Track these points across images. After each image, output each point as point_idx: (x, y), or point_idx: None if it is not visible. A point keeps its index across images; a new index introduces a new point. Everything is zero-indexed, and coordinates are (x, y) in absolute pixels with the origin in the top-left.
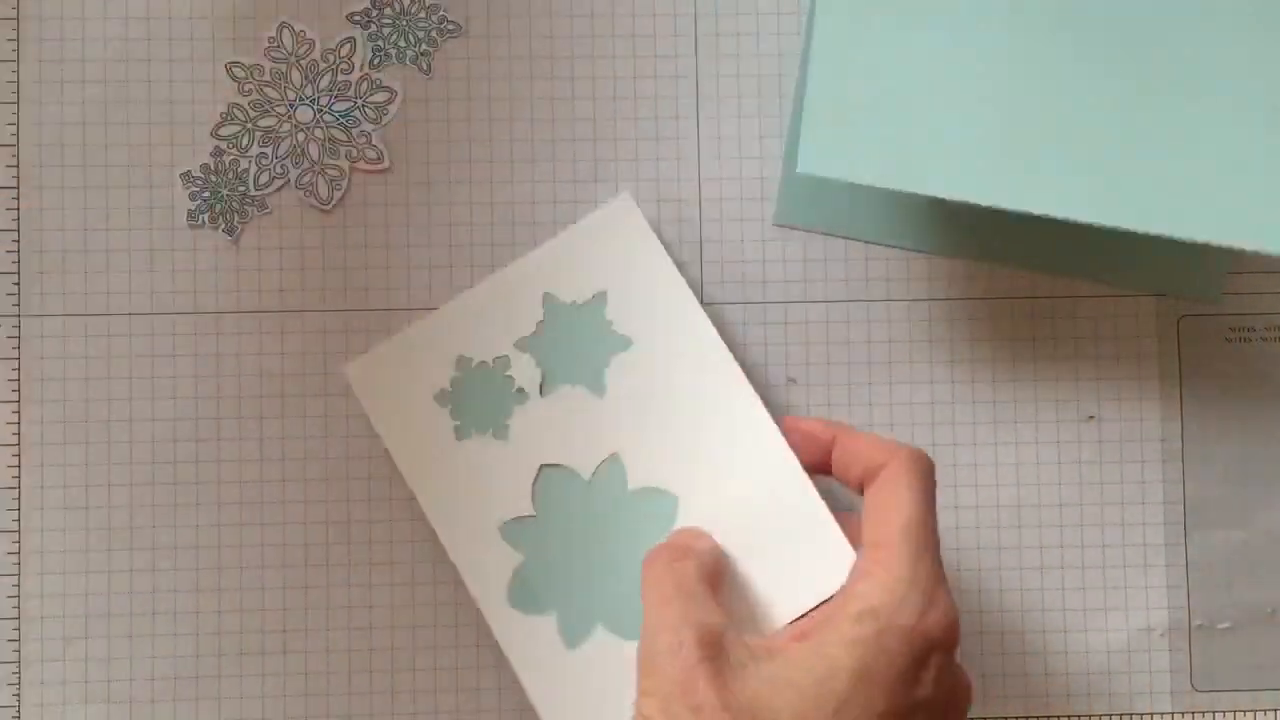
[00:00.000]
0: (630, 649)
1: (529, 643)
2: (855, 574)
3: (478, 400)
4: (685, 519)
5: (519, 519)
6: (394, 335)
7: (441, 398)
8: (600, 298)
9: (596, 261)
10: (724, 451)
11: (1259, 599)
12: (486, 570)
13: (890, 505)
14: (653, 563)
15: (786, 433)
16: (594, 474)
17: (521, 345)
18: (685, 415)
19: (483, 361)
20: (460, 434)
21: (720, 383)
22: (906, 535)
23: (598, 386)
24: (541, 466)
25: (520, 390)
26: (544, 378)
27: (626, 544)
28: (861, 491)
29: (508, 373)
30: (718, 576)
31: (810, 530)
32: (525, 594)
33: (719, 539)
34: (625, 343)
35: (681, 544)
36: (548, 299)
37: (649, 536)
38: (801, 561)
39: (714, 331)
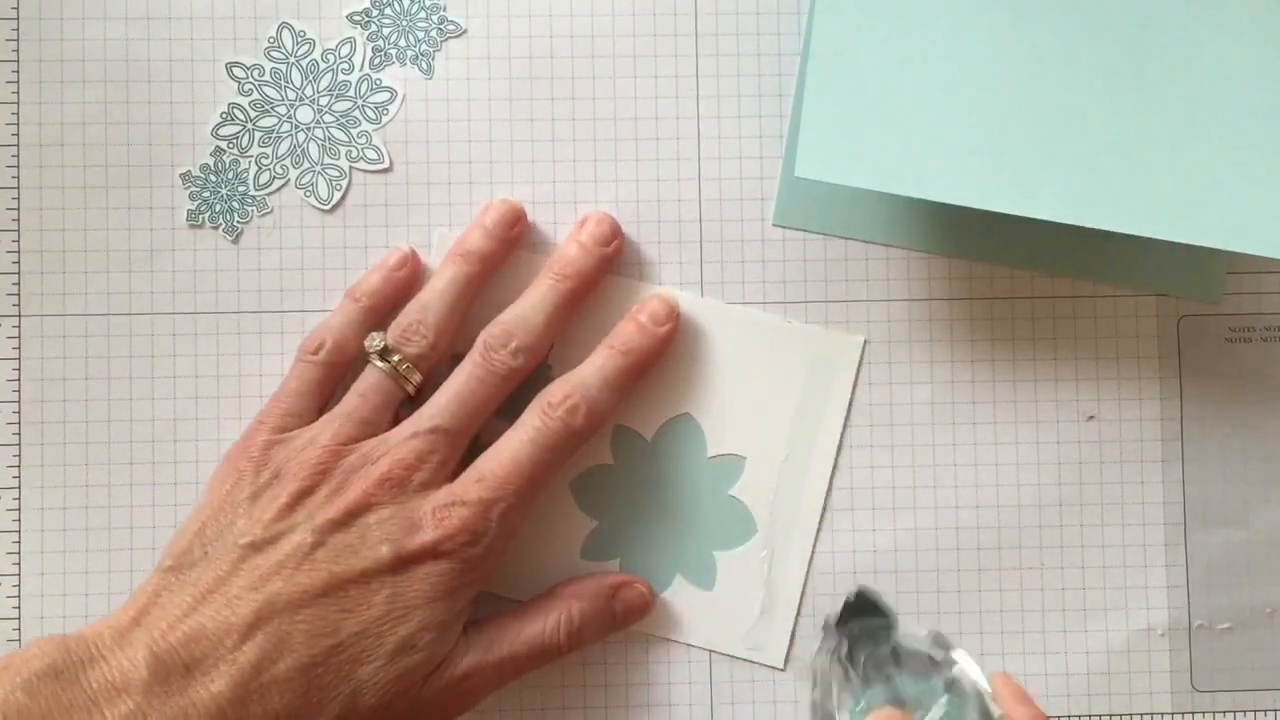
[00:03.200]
0: (704, 597)
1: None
2: None
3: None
4: (747, 481)
5: (590, 471)
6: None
7: None
8: None
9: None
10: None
11: (1259, 599)
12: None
13: None
14: None
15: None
16: (657, 433)
17: None
18: (686, 351)
19: None
20: None
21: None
22: None
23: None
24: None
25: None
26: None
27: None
28: None
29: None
30: None
31: (828, 355)
32: (598, 548)
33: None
34: None
35: None
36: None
37: (719, 490)
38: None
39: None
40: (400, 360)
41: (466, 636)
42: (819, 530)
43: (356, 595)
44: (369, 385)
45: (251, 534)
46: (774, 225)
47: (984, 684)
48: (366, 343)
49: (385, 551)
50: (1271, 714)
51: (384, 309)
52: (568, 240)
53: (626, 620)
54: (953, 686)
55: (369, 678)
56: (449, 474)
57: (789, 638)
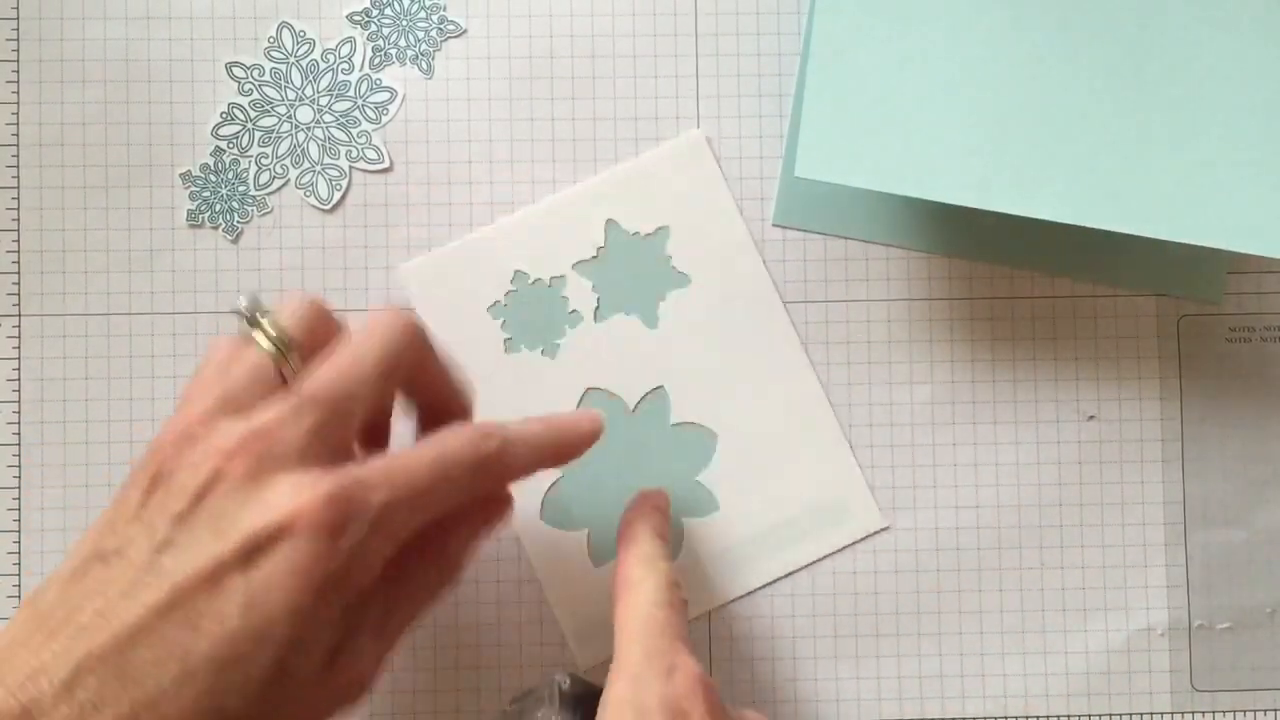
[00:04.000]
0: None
1: (557, 558)
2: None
3: (531, 316)
4: (723, 457)
5: None
6: (453, 242)
7: (495, 309)
8: (663, 232)
9: (662, 195)
10: (766, 397)
11: (1259, 599)
12: (522, 484)
13: (621, 613)
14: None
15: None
16: (638, 404)
17: (580, 269)
18: (733, 357)
19: (539, 279)
20: (510, 347)
21: (770, 330)
22: (630, 629)
23: (651, 319)
24: (588, 389)
25: (574, 312)
26: (599, 303)
27: (661, 475)
28: None
29: (563, 293)
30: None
31: (839, 487)
32: (558, 510)
33: (752, 479)
34: (683, 280)
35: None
36: (610, 226)
37: (685, 470)
38: (828, 512)
39: (768, 277)
40: (276, 334)
41: (354, 631)
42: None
43: (205, 605)
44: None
45: (103, 544)
46: (774, 225)
47: None
48: (236, 303)
49: (230, 536)
50: (1271, 714)
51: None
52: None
53: (497, 523)
54: None
55: (240, 711)
56: (328, 452)
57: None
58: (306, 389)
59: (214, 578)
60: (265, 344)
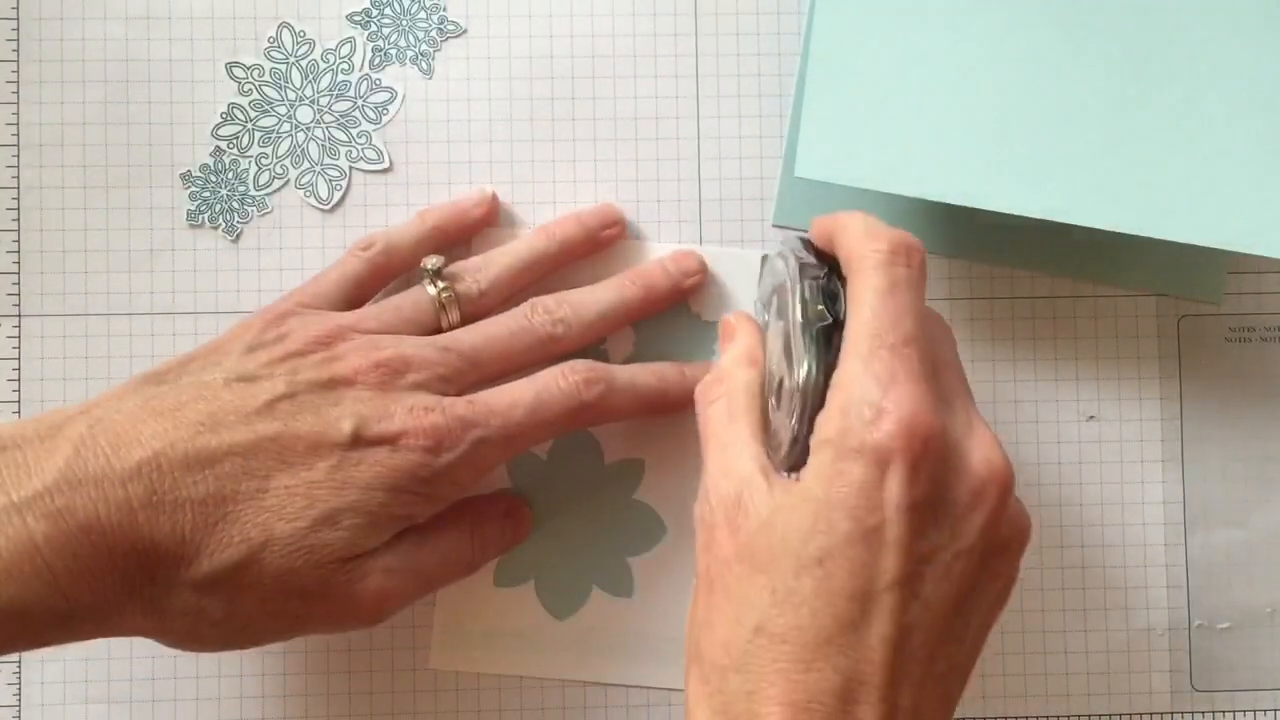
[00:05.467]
0: (549, 622)
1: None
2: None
3: None
4: (649, 483)
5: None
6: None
7: None
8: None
9: (733, 293)
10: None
11: (1259, 599)
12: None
13: (850, 313)
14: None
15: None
16: (610, 466)
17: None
18: None
19: None
20: None
21: None
22: (854, 344)
23: None
24: None
25: (603, 350)
26: (635, 349)
27: (580, 516)
28: None
29: (602, 346)
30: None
31: None
32: (511, 573)
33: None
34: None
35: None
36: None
37: (611, 513)
38: None
39: None
40: (446, 289)
41: (387, 547)
42: None
43: (301, 455)
44: (409, 300)
45: (232, 373)
46: (774, 225)
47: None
48: (425, 261)
49: (346, 426)
50: (1271, 714)
51: (448, 238)
52: (654, 260)
53: (515, 541)
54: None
55: (282, 536)
56: (450, 389)
57: None
58: (453, 342)
59: (316, 443)
60: (434, 294)
